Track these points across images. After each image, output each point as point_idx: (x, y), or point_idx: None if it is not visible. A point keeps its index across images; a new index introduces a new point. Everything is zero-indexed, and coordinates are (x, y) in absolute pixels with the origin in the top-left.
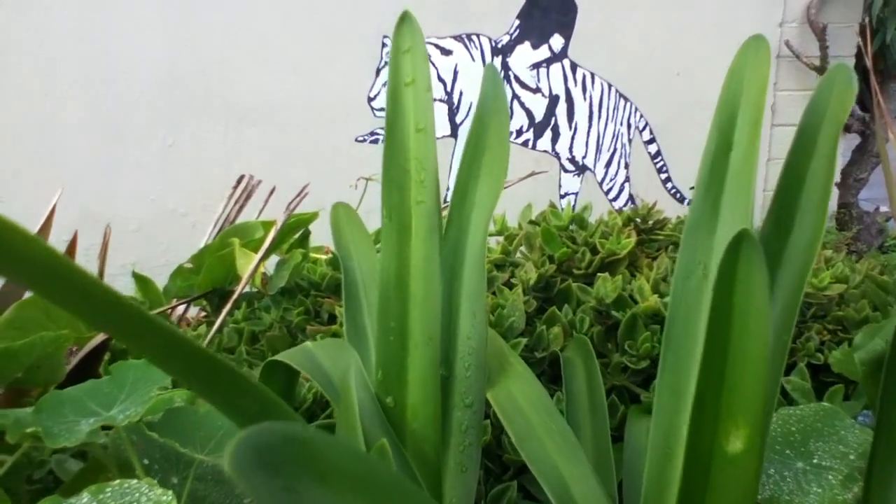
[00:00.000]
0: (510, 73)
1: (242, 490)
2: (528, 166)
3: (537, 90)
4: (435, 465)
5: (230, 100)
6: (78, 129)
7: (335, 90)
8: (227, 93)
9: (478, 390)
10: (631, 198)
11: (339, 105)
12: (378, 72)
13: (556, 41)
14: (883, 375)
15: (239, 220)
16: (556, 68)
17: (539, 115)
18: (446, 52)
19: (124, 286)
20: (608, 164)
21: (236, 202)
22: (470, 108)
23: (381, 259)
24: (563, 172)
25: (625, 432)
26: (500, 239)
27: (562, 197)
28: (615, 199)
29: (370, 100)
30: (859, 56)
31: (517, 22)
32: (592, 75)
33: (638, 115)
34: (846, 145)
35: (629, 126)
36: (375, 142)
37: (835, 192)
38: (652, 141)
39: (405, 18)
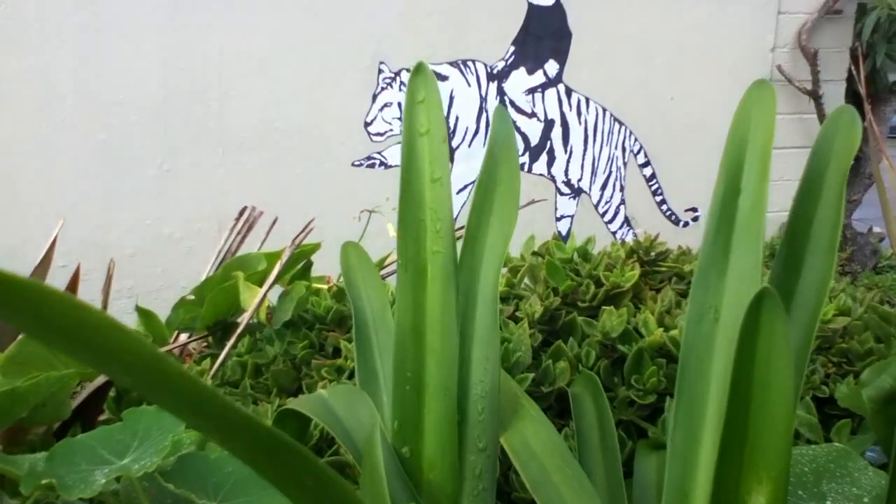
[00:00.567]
0: (506, 98)
1: None
2: (526, 190)
3: (533, 115)
4: None
5: (227, 125)
6: (75, 154)
7: (331, 116)
8: (224, 118)
9: (491, 434)
10: (627, 220)
11: (335, 130)
12: (374, 97)
13: (551, 67)
14: None
15: (240, 251)
16: (551, 93)
17: (535, 139)
18: (442, 77)
19: (120, 310)
20: (603, 187)
21: (238, 233)
22: (465, 133)
23: (398, 309)
24: (559, 195)
25: (634, 468)
26: (505, 271)
27: (558, 220)
28: (611, 221)
29: (367, 125)
30: (850, 79)
31: (512, 48)
32: (587, 100)
33: (633, 138)
34: None
35: (624, 149)
36: (372, 166)
37: None
38: (647, 164)
39: (419, 69)
